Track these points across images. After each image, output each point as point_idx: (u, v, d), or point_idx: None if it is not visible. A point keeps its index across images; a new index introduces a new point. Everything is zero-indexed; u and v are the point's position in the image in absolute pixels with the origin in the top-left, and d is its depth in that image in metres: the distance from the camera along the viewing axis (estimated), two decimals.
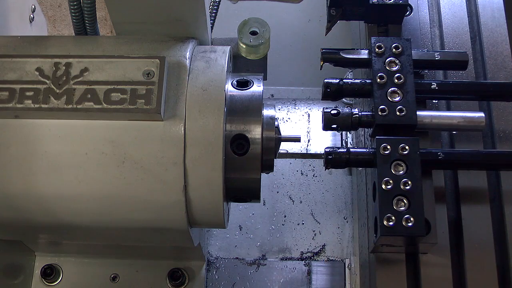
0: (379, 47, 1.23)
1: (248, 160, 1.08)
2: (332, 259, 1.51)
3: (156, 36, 1.13)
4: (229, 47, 1.15)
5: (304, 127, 1.61)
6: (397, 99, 1.18)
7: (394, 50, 1.23)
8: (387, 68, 1.21)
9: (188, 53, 1.09)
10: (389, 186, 1.11)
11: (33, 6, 1.60)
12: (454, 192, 1.25)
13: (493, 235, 1.20)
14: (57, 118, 1.02)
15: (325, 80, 1.23)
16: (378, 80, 1.20)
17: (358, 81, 1.23)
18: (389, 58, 1.22)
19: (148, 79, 1.02)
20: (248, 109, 1.09)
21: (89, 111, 1.01)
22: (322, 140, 1.58)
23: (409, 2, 1.36)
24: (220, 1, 1.31)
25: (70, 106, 1.01)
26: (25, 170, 1.03)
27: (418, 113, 1.17)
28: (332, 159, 1.17)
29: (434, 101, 1.33)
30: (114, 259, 1.47)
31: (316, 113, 1.63)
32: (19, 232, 1.23)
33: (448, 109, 1.33)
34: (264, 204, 1.57)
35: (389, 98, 1.18)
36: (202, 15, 1.12)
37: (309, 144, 1.58)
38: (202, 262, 1.47)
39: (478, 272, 1.17)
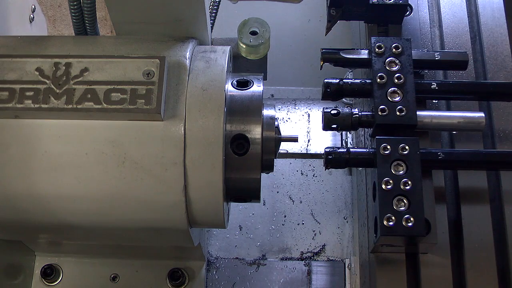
0: (379, 47, 1.23)
1: (248, 160, 1.08)
2: (332, 259, 1.51)
3: (156, 36, 1.13)
4: (229, 47, 1.15)
5: (304, 127, 1.61)
6: (397, 99, 1.18)
7: (394, 50, 1.23)
8: (387, 68, 1.21)
9: (188, 53, 1.09)
10: (389, 186, 1.11)
11: (33, 6, 1.60)
12: (454, 192, 1.25)
13: (493, 235, 1.20)
14: (57, 118, 1.02)
15: (325, 80, 1.23)
16: (378, 80, 1.20)
17: (358, 81, 1.23)
18: (389, 58, 1.22)
19: (148, 79, 1.02)
20: (248, 109, 1.09)
21: (89, 111, 1.01)
22: (322, 140, 1.58)
23: (409, 2, 1.36)
24: (220, 1, 1.31)
25: (70, 106, 1.01)
26: (25, 170, 1.03)
27: (418, 113, 1.17)
28: (332, 159, 1.17)
29: (434, 101, 1.33)
30: (114, 259, 1.47)
31: (316, 113, 1.63)
32: (19, 232, 1.23)
33: (448, 109, 1.33)
34: (264, 204, 1.57)
35: (389, 98, 1.18)
36: (202, 15, 1.12)
37: (309, 144, 1.58)
38: (202, 262, 1.47)
39: (478, 272, 1.17)
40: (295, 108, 1.64)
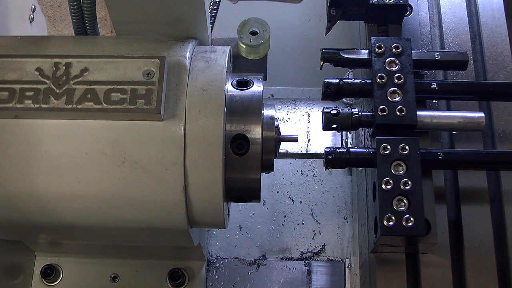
0: (379, 47, 1.23)
1: (248, 160, 1.08)
2: (332, 259, 1.51)
3: (156, 36, 1.13)
4: (229, 47, 1.15)
5: (304, 127, 1.61)
6: (397, 99, 1.18)
7: (394, 50, 1.23)
8: (387, 68, 1.21)
9: (188, 53, 1.09)
10: (389, 186, 1.11)
11: (33, 6, 1.60)
12: (454, 192, 1.25)
13: (493, 235, 1.20)
14: (57, 118, 1.02)
15: (325, 80, 1.23)
16: (378, 80, 1.20)
17: (358, 81, 1.23)
18: (389, 58, 1.22)
19: (148, 79, 1.02)
20: (248, 109, 1.09)
21: (89, 111, 1.01)
22: (322, 140, 1.58)
23: (409, 2, 1.36)
24: (220, 1, 1.31)
25: (70, 106, 1.01)
26: (25, 170, 1.03)
27: (418, 113, 1.17)
28: (332, 159, 1.17)
29: (434, 101, 1.33)
30: (114, 259, 1.47)
31: (316, 113, 1.63)
32: (19, 232, 1.23)
33: (448, 109, 1.33)
34: (264, 204, 1.57)
35: (389, 98, 1.18)
36: (202, 15, 1.12)
37: (309, 144, 1.58)
38: (202, 262, 1.47)
39: (478, 272, 1.17)
40: (295, 108, 1.64)
